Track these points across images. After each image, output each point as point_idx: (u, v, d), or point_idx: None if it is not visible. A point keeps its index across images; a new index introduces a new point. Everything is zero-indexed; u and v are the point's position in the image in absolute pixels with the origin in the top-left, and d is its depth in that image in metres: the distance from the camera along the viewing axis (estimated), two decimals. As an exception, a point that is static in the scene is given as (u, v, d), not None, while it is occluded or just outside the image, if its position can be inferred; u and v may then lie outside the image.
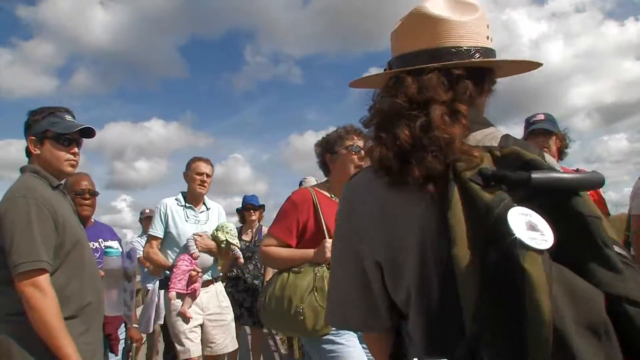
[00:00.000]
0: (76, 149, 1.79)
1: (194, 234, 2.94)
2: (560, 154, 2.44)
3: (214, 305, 3.02)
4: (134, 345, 3.13)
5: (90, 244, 2.45)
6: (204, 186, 3.05)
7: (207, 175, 3.06)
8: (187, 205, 3.05)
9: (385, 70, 0.88)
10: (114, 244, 2.56)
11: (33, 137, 1.74)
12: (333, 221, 1.60)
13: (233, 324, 3.15)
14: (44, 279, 1.53)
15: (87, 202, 2.50)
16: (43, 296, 1.50)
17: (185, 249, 2.94)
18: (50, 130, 1.74)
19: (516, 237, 0.57)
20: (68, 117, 1.80)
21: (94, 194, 2.53)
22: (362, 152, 1.99)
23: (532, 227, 0.59)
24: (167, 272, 2.93)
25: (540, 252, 0.57)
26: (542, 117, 2.41)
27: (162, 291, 2.95)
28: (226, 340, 3.04)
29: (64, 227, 1.65)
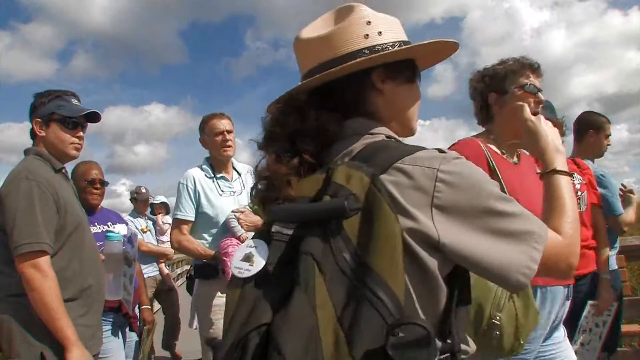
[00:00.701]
0: (81, 133, 1.82)
1: (233, 212, 2.39)
2: None
3: None
4: (146, 327, 3.21)
5: (100, 228, 2.53)
6: (229, 146, 2.45)
7: (228, 132, 2.45)
8: (217, 175, 2.48)
9: None
10: (121, 227, 2.63)
11: (39, 119, 1.77)
12: (513, 187, 1.44)
13: None
14: (44, 261, 1.56)
15: (98, 191, 2.56)
16: (43, 277, 1.54)
17: (223, 230, 2.39)
18: (57, 113, 1.76)
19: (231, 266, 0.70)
20: (74, 101, 1.83)
21: (104, 183, 2.60)
22: (540, 94, 1.57)
23: (247, 258, 0.68)
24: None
25: (239, 279, 0.68)
26: None
27: (197, 280, 2.45)
28: None
29: (65, 209, 1.67)
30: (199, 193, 2.40)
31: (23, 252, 1.54)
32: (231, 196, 2.47)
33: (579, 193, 2.30)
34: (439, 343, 0.67)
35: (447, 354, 0.68)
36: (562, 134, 2.39)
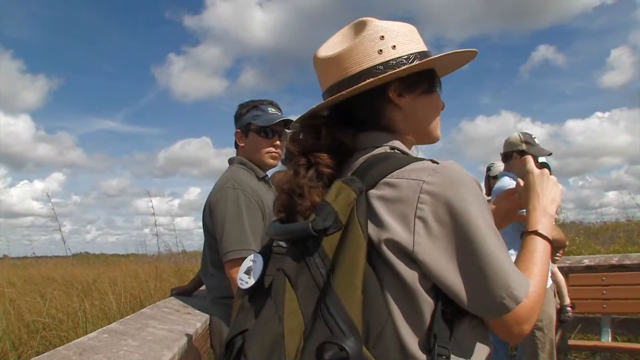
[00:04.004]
0: (278, 142, 1.82)
1: None
2: None
3: None
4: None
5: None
6: None
7: None
8: None
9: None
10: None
11: (239, 130, 1.83)
12: None
13: None
14: None
15: None
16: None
17: None
18: (253, 124, 1.79)
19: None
20: (271, 110, 1.82)
21: None
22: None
23: (248, 271, 0.76)
24: None
25: (241, 290, 0.76)
26: None
27: None
28: None
29: (270, 217, 1.69)
30: None
31: (231, 258, 1.58)
32: None
33: None
34: (423, 356, 0.66)
35: None
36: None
